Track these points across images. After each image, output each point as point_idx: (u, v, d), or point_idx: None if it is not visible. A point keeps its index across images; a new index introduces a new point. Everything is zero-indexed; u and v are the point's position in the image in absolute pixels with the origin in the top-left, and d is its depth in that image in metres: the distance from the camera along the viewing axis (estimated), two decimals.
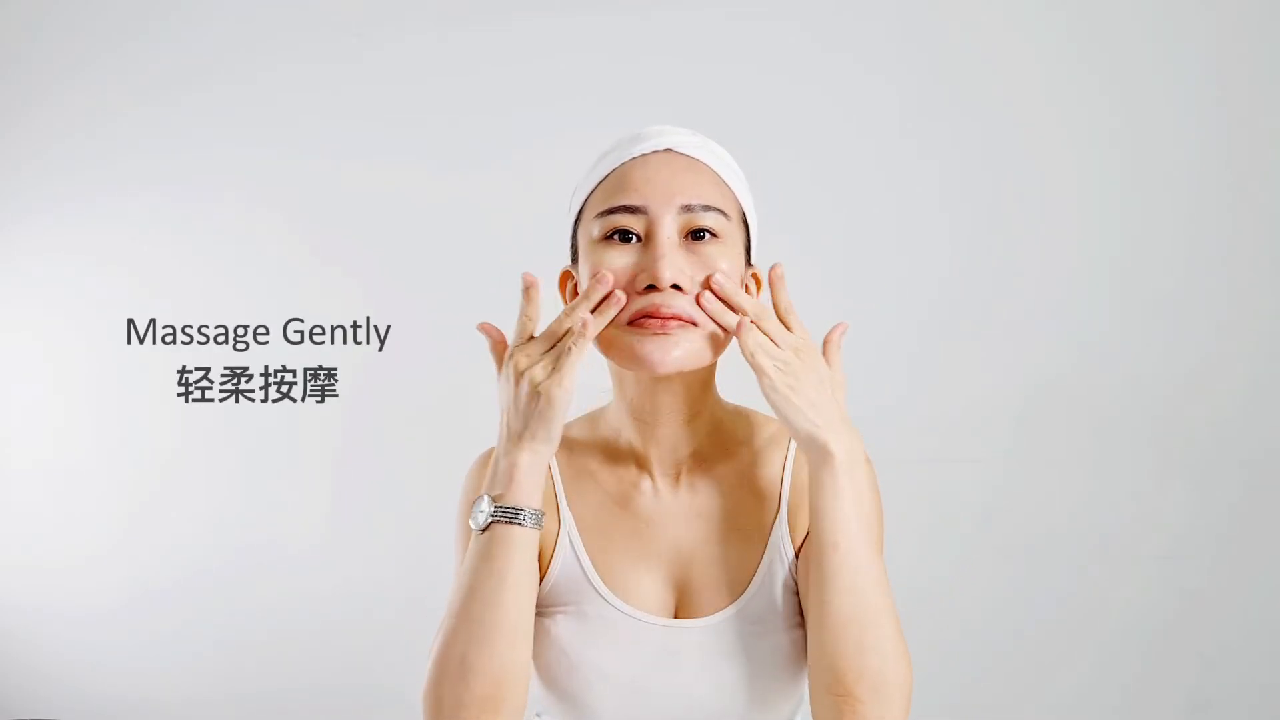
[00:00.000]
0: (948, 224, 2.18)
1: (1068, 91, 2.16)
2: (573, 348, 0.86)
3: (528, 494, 0.88)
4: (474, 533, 0.89)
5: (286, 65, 2.30)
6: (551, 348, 0.87)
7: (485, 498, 0.89)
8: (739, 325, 0.88)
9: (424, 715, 0.88)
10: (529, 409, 0.87)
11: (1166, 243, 2.13)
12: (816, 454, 0.87)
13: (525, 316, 0.90)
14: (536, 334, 0.90)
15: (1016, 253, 2.16)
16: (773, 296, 0.93)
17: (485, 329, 0.93)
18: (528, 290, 0.90)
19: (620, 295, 0.88)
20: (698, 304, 0.88)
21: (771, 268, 0.93)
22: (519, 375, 0.87)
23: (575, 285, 0.98)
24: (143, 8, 2.34)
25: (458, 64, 2.27)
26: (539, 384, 0.86)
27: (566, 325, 0.88)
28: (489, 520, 0.88)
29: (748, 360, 0.89)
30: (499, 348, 0.92)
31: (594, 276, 0.88)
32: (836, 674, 0.86)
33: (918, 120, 2.18)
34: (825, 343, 0.94)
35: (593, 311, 0.88)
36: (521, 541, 0.88)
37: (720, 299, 0.88)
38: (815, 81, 2.20)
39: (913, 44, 2.19)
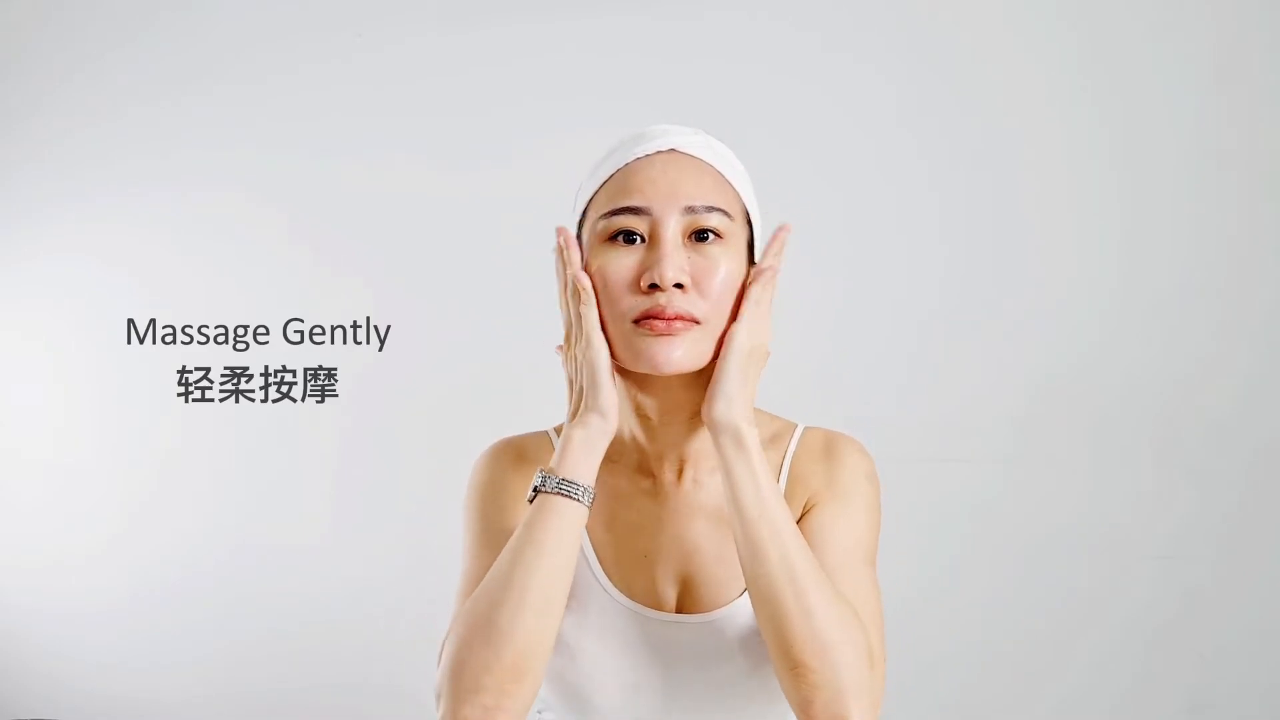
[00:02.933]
0: (948, 224, 2.18)
1: (1068, 91, 2.16)
2: (582, 308, 0.91)
3: (573, 467, 0.90)
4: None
5: (287, 65, 2.30)
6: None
7: (541, 471, 0.91)
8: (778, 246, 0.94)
9: (443, 679, 0.85)
10: (579, 384, 0.92)
11: (1166, 243, 2.13)
12: (730, 435, 0.89)
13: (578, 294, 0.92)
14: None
15: (1016, 253, 2.16)
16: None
17: (562, 230, 0.95)
18: (564, 248, 0.93)
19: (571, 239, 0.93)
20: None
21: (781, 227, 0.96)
22: (569, 365, 0.94)
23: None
24: (143, 8, 2.34)
25: (458, 64, 2.27)
26: (579, 359, 0.92)
27: (571, 295, 0.92)
28: (534, 490, 0.90)
29: (749, 299, 0.91)
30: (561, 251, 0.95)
31: (564, 246, 0.93)
32: (784, 644, 0.84)
33: (918, 120, 2.19)
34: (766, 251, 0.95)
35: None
36: (564, 512, 0.88)
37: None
38: (815, 80, 2.20)
39: (914, 43, 2.19)
